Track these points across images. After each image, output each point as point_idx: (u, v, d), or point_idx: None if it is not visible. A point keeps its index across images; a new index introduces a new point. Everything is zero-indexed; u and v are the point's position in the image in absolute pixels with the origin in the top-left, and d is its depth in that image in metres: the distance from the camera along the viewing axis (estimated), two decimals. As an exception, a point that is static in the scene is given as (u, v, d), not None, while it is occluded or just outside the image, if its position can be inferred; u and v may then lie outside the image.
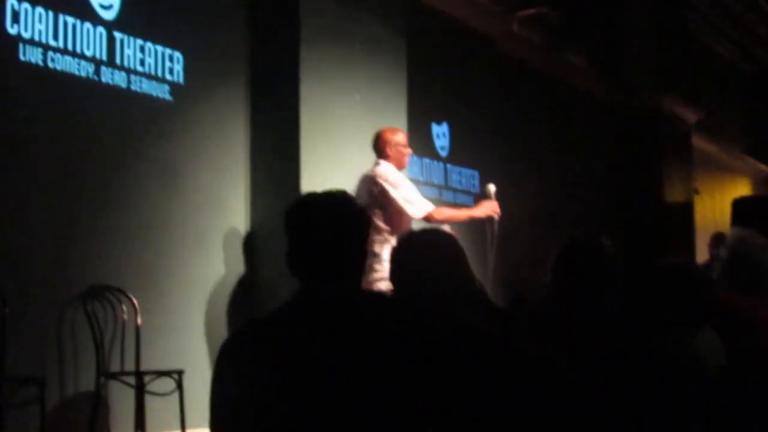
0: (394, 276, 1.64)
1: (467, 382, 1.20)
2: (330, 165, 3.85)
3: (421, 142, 4.96)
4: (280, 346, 1.17)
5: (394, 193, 3.35)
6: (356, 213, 1.26)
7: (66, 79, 3.17)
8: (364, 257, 1.28)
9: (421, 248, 1.65)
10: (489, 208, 3.52)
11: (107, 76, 3.32)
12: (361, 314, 1.19)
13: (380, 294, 1.45)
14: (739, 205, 3.64)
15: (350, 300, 1.22)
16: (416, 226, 3.11)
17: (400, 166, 3.50)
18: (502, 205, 3.61)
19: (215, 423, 1.18)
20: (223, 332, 3.62)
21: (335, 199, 1.26)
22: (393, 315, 1.20)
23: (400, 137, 3.53)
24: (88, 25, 3.25)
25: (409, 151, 3.53)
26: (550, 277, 1.77)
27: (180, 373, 3.17)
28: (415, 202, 3.37)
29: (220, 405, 1.18)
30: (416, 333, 1.17)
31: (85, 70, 3.24)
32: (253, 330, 1.23)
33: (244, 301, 3.80)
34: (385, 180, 3.38)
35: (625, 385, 1.59)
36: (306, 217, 1.25)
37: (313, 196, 1.27)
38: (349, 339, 1.15)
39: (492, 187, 3.61)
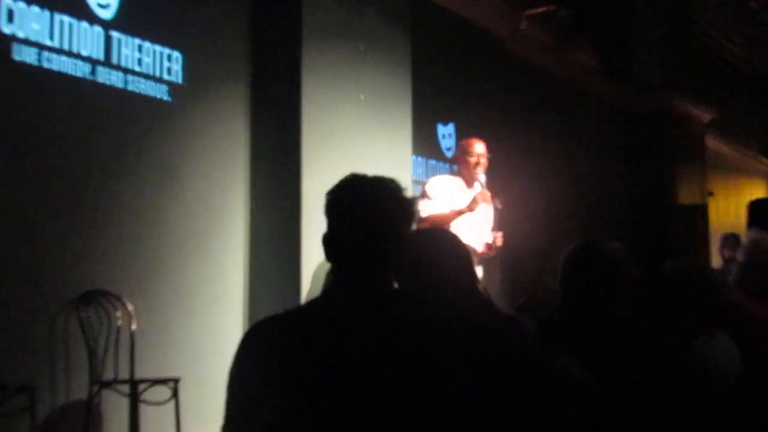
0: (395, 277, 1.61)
1: (488, 391, 1.18)
2: (333, 167, 3.82)
3: (427, 143, 4.96)
4: (305, 339, 1.12)
5: (422, 198, 3.55)
6: (403, 201, 1.21)
7: (61, 79, 3.14)
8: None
9: (421, 249, 1.61)
10: (478, 198, 3.57)
11: (104, 76, 3.30)
12: (395, 312, 1.15)
13: (418, 293, 1.41)
14: (754, 207, 3.56)
15: (386, 296, 1.18)
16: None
17: (468, 177, 3.65)
18: (500, 198, 3.66)
19: (230, 408, 1.14)
20: (221, 339, 3.59)
21: (385, 184, 1.21)
22: (427, 316, 1.17)
23: (470, 146, 3.68)
24: (84, 24, 3.23)
25: (473, 160, 3.64)
26: (558, 283, 1.75)
27: (176, 381, 3.13)
28: (422, 209, 3.51)
29: (236, 391, 1.14)
30: (449, 337, 1.15)
31: (81, 70, 3.21)
32: (284, 319, 1.18)
33: (243, 308, 3.77)
34: (424, 186, 3.59)
35: (636, 394, 1.57)
36: (351, 197, 1.20)
37: (362, 178, 1.22)
38: (378, 337, 1.12)
39: (481, 177, 3.68)
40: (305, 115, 3.79)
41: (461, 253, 1.65)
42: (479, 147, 3.74)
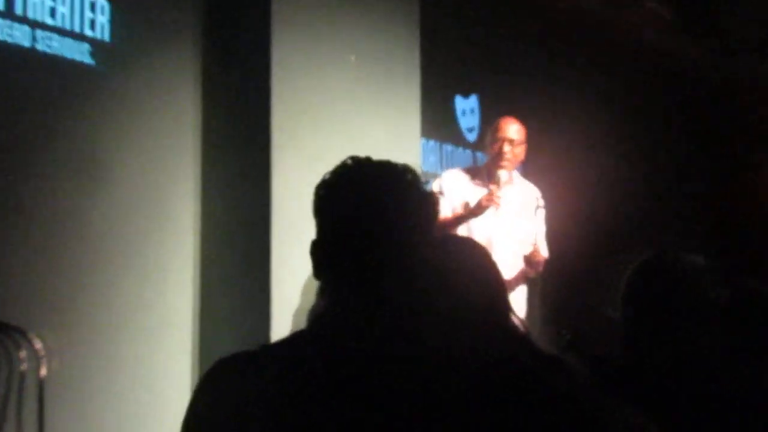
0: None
1: None
2: (313, 155, 3.82)
3: (442, 122, 4.99)
4: (290, 385, 1.12)
5: None
6: (423, 195, 1.23)
7: (-55, 36, 3.17)
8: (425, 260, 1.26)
9: (433, 264, 1.61)
10: (483, 201, 3.65)
11: (4, 31, 3.30)
12: (410, 349, 1.16)
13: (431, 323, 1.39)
14: None
15: (398, 327, 1.18)
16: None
17: (494, 164, 3.78)
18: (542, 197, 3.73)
19: None
20: (163, 386, 3.59)
21: (397, 171, 1.22)
22: (446, 358, 1.17)
23: (496, 127, 3.82)
24: (-24, -39, 3.25)
25: (497, 145, 3.77)
26: (620, 313, 1.78)
27: (101, 446, 3.14)
28: None
29: None
30: (473, 385, 1.15)
31: (-28, 24, 3.24)
32: (260, 357, 1.18)
33: (192, 343, 3.77)
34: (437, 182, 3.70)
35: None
36: (351, 190, 1.20)
37: (366, 163, 1.23)
38: (391, 383, 1.12)
39: (503, 174, 3.75)
40: (276, 84, 3.79)
41: (489, 270, 1.66)
42: (507, 128, 3.79)
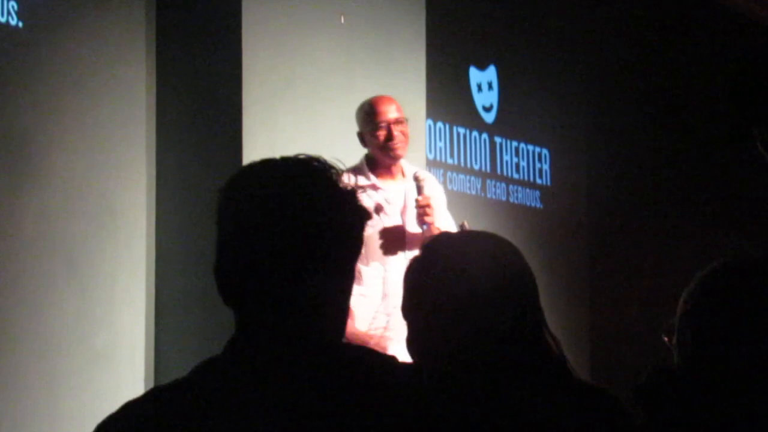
0: (407, 310, 1.68)
1: None
2: (292, 139, 3.82)
3: (453, 99, 4.95)
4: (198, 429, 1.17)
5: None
6: (347, 199, 1.29)
7: None
8: (350, 281, 1.31)
9: (461, 262, 1.64)
10: (421, 220, 3.68)
11: None
12: (346, 390, 1.20)
13: (382, 356, 1.42)
14: None
15: (327, 359, 1.23)
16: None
17: (385, 157, 3.74)
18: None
19: None
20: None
21: (317, 171, 1.28)
22: (407, 400, 1.21)
23: (372, 110, 3.73)
24: None
25: (381, 130, 3.68)
26: (677, 332, 1.72)
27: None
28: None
29: None
30: None
31: None
32: (154, 403, 1.24)
33: (145, 373, 3.76)
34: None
35: None
36: (260, 197, 1.26)
37: (275, 165, 1.29)
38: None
39: (406, 163, 3.77)
40: (248, 50, 3.78)
41: (523, 276, 1.66)
42: (386, 110, 3.70)
